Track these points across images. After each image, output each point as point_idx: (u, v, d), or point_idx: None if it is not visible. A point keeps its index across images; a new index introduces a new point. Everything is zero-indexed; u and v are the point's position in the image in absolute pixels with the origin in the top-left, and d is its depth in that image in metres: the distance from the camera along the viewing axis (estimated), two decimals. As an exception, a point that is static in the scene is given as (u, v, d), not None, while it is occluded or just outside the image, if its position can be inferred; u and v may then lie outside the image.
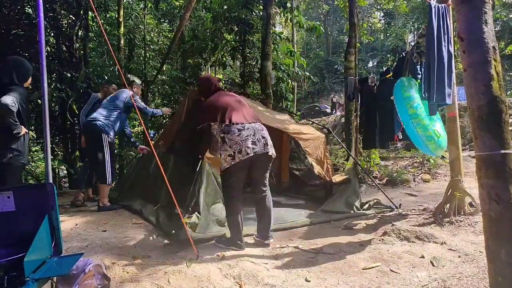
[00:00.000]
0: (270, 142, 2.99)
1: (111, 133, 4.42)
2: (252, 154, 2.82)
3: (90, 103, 4.91)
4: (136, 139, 5.27)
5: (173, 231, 3.20)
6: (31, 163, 8.82)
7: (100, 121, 4.35)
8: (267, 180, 3.10)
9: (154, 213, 3.90)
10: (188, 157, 4.47)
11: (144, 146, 4.93)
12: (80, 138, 5.02)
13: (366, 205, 4.27)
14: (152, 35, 10.39)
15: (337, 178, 4.52)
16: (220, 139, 2.89)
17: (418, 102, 3.60)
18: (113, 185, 4.97)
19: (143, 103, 4.88)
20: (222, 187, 3.14)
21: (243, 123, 2.88)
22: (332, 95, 22.85)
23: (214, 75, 10.75)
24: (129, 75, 5.35)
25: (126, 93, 4.52)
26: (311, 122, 8.23)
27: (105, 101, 4.61)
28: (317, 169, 4.62)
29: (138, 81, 5.36)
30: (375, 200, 4.40)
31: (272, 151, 2.98)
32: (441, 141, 3.62)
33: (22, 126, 3.08)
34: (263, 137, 2.93)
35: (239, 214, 2.95)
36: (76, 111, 6.55)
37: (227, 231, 3.17)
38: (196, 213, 3.25)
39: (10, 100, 2.91)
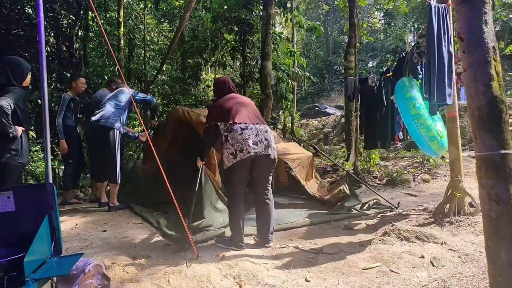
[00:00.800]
0: (273, 144, 3.00)
1: (121, 131, 4.45)
2: (253, 154, 2.84)
3: (64, 104, 4.78)
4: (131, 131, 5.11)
5: (175, 234, 3.20)
6: (31, 163, 8.81)
7: (112, 119, 4.34)
8: (270, 182, 3.10)
9: (155, 216, 3.91)
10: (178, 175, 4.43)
11: (143, 134, 4.91)
12: (59, 142, 4.82)
13: (366, 205, 4.27)
14: (152, 35, 10.40)
15: (333, 192, 4.53)
16: (224, 138, 2.94)
17: (421, 103, 3.60)
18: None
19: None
20: (224, 187, 3.16)
21: (246, 123, 2.91)
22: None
23: (214, 75, 10.75)
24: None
25: (127, 91, 4.52)
26: (310, 122, 8.24)
27: (109, 100, 4.54)
28: (310, 188, 4.65)
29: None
30: (374, 200, 4.40)
31: (274, 154, 3.00)
32: (444, 141, 3.62)
33: (19, 127, 3.07)
34: (266, 139, 2.94)
35: (241, 214, 2.96)
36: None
37: (227, 230, 3.18)
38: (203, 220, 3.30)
39: (5, 102, 2.91)
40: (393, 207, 4.19)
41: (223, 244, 2.99)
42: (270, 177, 3.11)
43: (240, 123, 2.89)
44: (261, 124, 3.01)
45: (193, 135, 4.14)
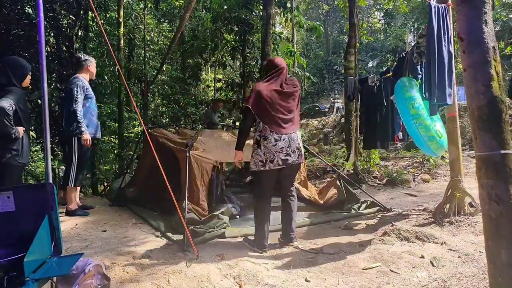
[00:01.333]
0: (302, 151, 3.04)
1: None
2: (285, 166, 2.89)
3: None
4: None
5: (172, 236, 3.21)
6: (31, 163, 8.81)
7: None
8: (294, 184, 3.17)
9: (154, 216, 3.91)
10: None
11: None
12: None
13: (364, 205, 4.28)
14: (152, 35, 10.41)
15: (325, 194, 4.51)
16: (255, 141, 2.94)
17: (420, 103, 3.60)
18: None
19: (80, 98, 3.96)
20: (253, 189, 3.22)
21: (280, 133, 2.87)
22: (334, 100, 21.31)
23: (214, 75, 10.76)
24: (79, 55, 4.41)
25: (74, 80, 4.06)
26: (310, 122, 8.23)
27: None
28: (304, 192, 4.60)
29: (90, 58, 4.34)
30: (371, 200, 4.40)
31: (302, 160, 3.06)
32: (443, 141, 3.62)
33: (20, 127, 3.08)
34: (298, 148, 2.96)
35: (267, 217, 2.99)
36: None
37: (227, 231, 3.20)
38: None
39: (6, 103, 2.91)
40: (384, 209, 4.18)
41: (248, 243, 3.02)
42: (295, 178, 3.19)
43: (275, 133, 2.85)
44: (292, 133, 2.94)
45: (171, 159, 4.15)
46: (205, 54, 9.42)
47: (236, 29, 8.48)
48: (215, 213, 3.49)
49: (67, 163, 4.25)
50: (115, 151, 8.79)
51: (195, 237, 3.03)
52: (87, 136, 3.93)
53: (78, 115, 3.88)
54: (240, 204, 4.19)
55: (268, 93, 2.88)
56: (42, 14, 2.42)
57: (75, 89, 3.91)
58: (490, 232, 1.52)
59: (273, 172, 2.93)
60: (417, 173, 6.69)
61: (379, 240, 2.99)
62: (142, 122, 4.15)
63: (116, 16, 8.19)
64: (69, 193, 4.05)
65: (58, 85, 6.73)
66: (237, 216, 3.99)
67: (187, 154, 3.57)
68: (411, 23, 23.01)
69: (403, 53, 4.48)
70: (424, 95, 3.52)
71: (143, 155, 5.03)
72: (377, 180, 6.49)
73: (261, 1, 8.02)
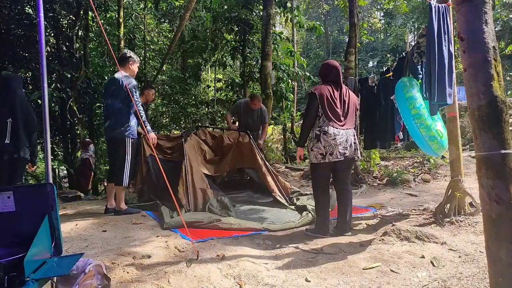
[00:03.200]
0: (358, 146, 3.31)
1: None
2: (343, 158, 3.14)
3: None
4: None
5: (172, 235, 3.23)
6: (31, 163, 8.81)
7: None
8: (349, 177, 3.45)
9: (154, 216, 3.94)
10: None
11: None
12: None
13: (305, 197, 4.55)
14: (152, 35, 10.41)
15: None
16: (315, 135, 3.18)
17: (421, 102, 3.60)
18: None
19: (139, 98, 4.08)
20: (312, 180, 3.50)
21: (339, 128, 3.14)
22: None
23: (214, 75, 10.77)
24: (125, 51, 4.35)
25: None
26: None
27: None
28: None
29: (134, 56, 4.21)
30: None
31: (358, 155, 3.31)
32: (444, 141, 3.61)
33: None
34: (354, 143, 3.23)
35: (327, 205, 3.30)
36: (76, 111, 6.53)
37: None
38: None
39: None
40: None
41: (311, 232, 3.32)
42: (350, 173, 3.48)
43: (334, 127, 3.14)
44: (349, 128, 3.24)
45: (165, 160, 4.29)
46: (205, 54, 9.43)
47: (236, 29, 8.48)
48: (211, 213, 3.56)
49: (113, 163, 4.17)
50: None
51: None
52: (153, 134, 4.03)
53: (142, 115, 3.88)
54: (237, 205, 4.21)
55: (327, 91, 3.23)
56: (42, 14, 2.42)
57: (134, 89, 3.88)
58: (490, 232, 1.52)
59: (330, 165, 3.22)
60: (418, 173, 6.69)
61: (380, 240, 2.99)
62: (142, 122, 4.14)
63: (116, 16, 8.19)
64: (120, 193, 4.07)
65: (58, 85, 6.74)
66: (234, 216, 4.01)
67: (182, 165, 3.70)
68: (411, 23, 22.96)
69: (403, 53, 4.48)
70: (424, 95, 3.52)
71: (143, 155, 5.04)
72: (377, 180, 6.48)
73: (261, 1, 8.02)
